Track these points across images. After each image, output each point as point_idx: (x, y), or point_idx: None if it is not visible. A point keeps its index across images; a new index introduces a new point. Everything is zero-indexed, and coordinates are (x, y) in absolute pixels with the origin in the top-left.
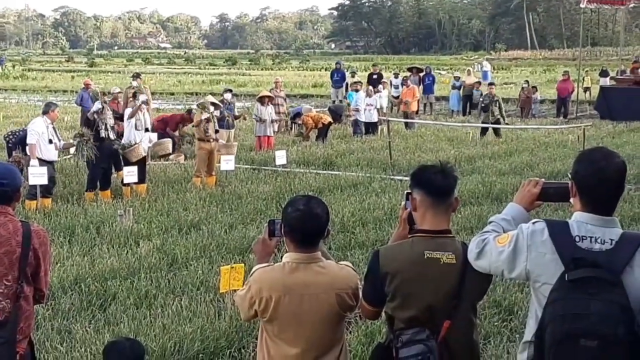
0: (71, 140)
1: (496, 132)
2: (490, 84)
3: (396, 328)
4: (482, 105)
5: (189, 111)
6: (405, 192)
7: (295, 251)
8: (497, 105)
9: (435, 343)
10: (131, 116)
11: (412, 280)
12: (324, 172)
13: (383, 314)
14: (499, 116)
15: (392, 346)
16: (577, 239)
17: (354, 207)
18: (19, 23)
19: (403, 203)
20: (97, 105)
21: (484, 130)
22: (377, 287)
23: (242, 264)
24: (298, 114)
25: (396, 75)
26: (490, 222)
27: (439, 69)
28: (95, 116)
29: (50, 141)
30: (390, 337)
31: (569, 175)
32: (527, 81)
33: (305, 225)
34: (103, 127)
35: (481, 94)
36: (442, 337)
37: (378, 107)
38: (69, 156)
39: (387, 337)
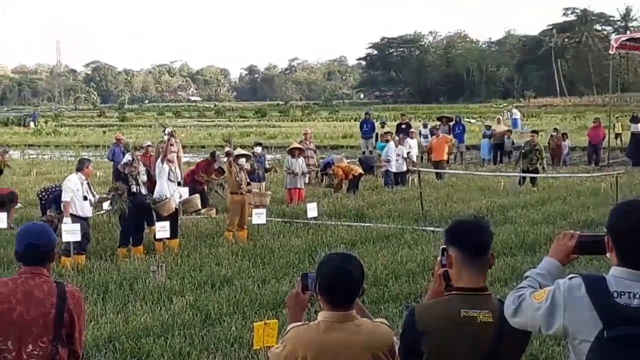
0: (105, 195)
1: (532, 181)
2: (533, 131)
3: None
4: (523, 151)
5: (213, 154)
6: (441, 247)
7: (329, 310)
8: (538, 153)
9: None
10: (164, 155)
11: (448, 339)
12: (356, 224)
13: None
14: (537, 165)
15: None
16: (615, 294)
17: (386, 259)
18: (51, 79)
19: (439, 258)
20: (127, 158)
21: (522, 179)
22: (413, 346)
23: (276, 320)
24: (328, 165)
25: (425, 125)
26: (526, 277)
27: (468, 118)
28: (126, 169)
29: (85, 197)
30: None
31: (604, 229)
32: (556, 129)
33: (339, 285)
34: (134, 182)
35: (512, 142)
36: None
37: (405, 156)
38: (102, 212)
39: None
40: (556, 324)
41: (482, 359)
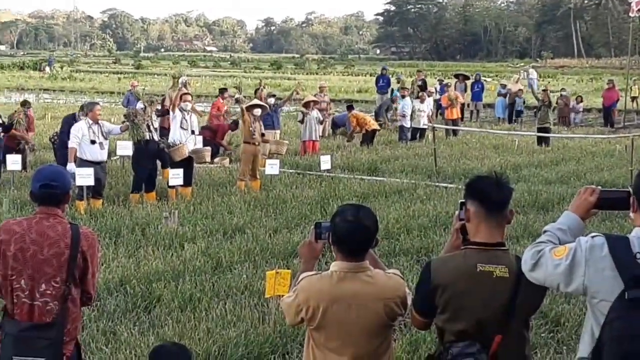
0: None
1: (545, 140)
2: (544, 90)
3: (446, 340)
4: (535, 111)
5: (235, 122)
6: (459, 201)
7: (343, 260)
8: (546, 110)
9: (486, 357)
10: (174, 103)
11: (463, 294)
12: (369, 177)
13: (433, 325)
14: (546, 124)
15: (442, 358)
16: (637, 255)
17: (398, 213)
18: (67, 25)
19: (457, 213)
20: (139, 105)
21: (539, 140)
22: (428, 299)
23: (288, 270)
24: (341, 121)
25: (440, 82)
26: (545, 232)
27: (485, 76)
28: (135, 115)
29: (93, 142)
30: (440, 349)
31: (630, 189)
32: (564, 89)
33: (354, 236)
34: (146, 127)
35: (524, 102)
36: (493, 351)
37: (429, 113)
38: (115, 157)
39: (437, 349)
40: (576, 282)
41: (496, 313)
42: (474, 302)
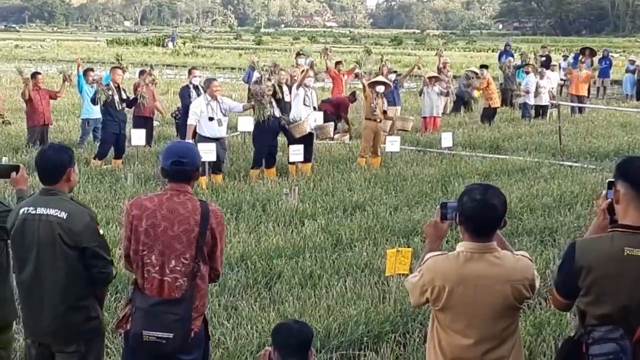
0: (248, 103)
1: None
2: None
3: (587, 324)
4: None
5: (353, 94)
6: (607, 180)
7: (470, 240)
8: None
9: (629, 344)
10: (300, 82)
11: (608, 277)
12: (491, 155)
13: (574, 307)
14: None
15: (583, 341)
16: None
17: (521, 192)
18: (190, 1)
19: (604, 192)
20: (256, 75)
21: None
22: (571, 280)
23: (409, 249)
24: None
25: (565, 58)
26: None
27: (612, 52)
28: (256, 89)
29: (211, 118)
30: (581, 332)
31: None
32: None
33: (481, 215)
34: (268, 104)
35: None
36: (637, 338)
37: (550, 89)
38: (236, 133)
39: (577, 331)
40: None
41: None
42: (620, 286)
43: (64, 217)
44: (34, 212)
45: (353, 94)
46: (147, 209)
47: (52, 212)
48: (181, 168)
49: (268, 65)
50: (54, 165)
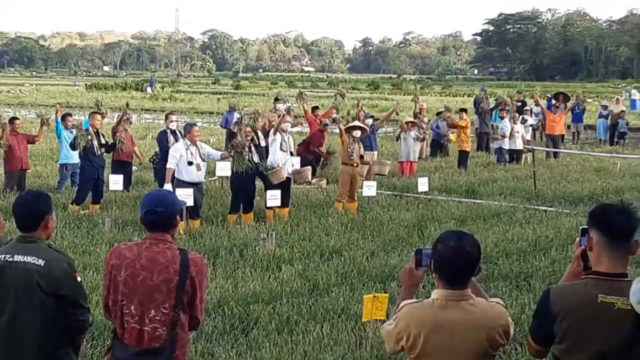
0: (227, 151)
1: None
2: None
3: None
4: None
5: (325, 124)
6: (581, 227)
7: (444, 288)
8: None
9: None
10: (276, 127)
11: (583, 324)
12: (467, 200)
13: (550, 354)
14: None
15: None
16: None
17: (497, 237)
18: (168, 46)
19: (578, 239)
20: (236, 116)
21: None
22: (545, 327)
23: (386, 294)
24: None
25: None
26: None
27: (585, 97)
28: (242, 147)
29: (190, 163)
30: None
31: None
32: None
33: (456, 263)
34: (247, 149)
35: (627, 123)
36: None
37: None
38: (214, 178)
39: None
40: None
41: (618, 345)
42: (594, 333)
43: (42, 265)
44: (11, 259)
45: (324, 124)
46: (126, 259)
47: (29, 259)
48: (156, 217)
49: (247, 108)
50: (32, 212)
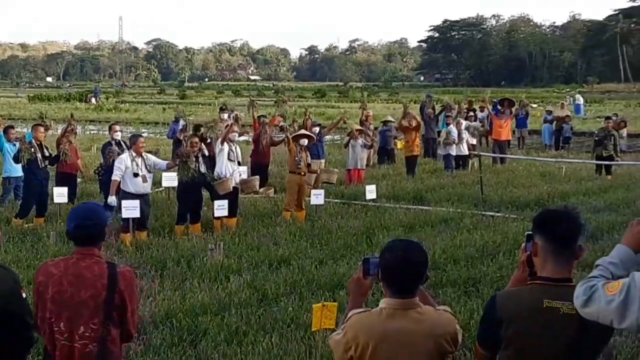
0: (172, 161)
1: (607, 169)
2: (607, 117)
3: None
4: (596, 139)
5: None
6: (526, 233)
7: (392, 297)
8: (612, 140)
9: None
10: (223, 137)
11: (530, 329)
12: (414, 207)
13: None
14: (612, 152)
15: None
16: None
17: (445, 243)
18: (112, 56)
19: (523, 245)
20: (181, 123)
21: (599, 168)
22: (492, 333)
23: (335, 303)
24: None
25: (482, 109)
26: (597, 266)
27: (530, 102)
28: (187, 156)
29: (136, 174)
30: None
31: None
32: (616, 114)
33: (403, 273)
34: (194, 159)
35: (571, 128)
36: None
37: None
38: (160, 189)
39: None
40: (629, 319)
41: (564, 350)
42: (541, 338)
43: None
44: None
45: (260, 117)
46: (53, 275)
47: None
48: (84, 231)
49: (192, 117)
50: None
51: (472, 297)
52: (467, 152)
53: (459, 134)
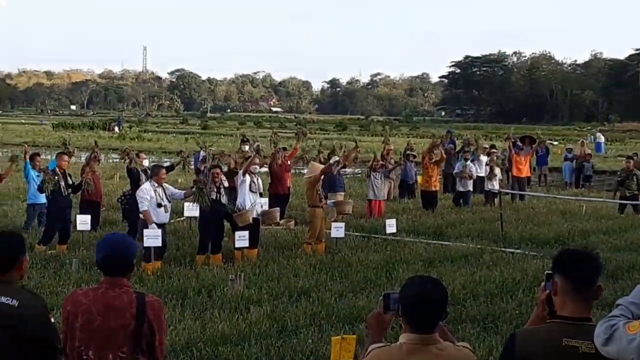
0: (189, 189)
1: (635, 208)
2: (629, 157)
3: None
4: (619, 179)
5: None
6: (546, 272)
7: (412, 332)
8: (635, 179)
9: None
10: (245, 168)
11: None
12: (434, 241)
13: None
14: (636, 191)
15: None
16: None
17: (464, 279)
18: (136, 85)
19: (542, 284)
20: (202, 154)
21: (622, 207)
22: None
23: (354, 335)
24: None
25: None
26: (618, 306)
27: (551, 140)
28: (204, 183)
29: (159, 205)
30: None
31: None
32: (636, 153)
33: (422, 308)
34: (215, 189)
35: (592, 166)
36: None
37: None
38: (182, 218)
39: None
40: None
41: None
42: None
43: (16, 305)
44: None
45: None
46: (82, 304)
47: (4, 299)
48: (112, 262)
49: (213, 148)
50: (6, 253)
51: (491, 334)
52: (497, 189)
53: (491, 171)
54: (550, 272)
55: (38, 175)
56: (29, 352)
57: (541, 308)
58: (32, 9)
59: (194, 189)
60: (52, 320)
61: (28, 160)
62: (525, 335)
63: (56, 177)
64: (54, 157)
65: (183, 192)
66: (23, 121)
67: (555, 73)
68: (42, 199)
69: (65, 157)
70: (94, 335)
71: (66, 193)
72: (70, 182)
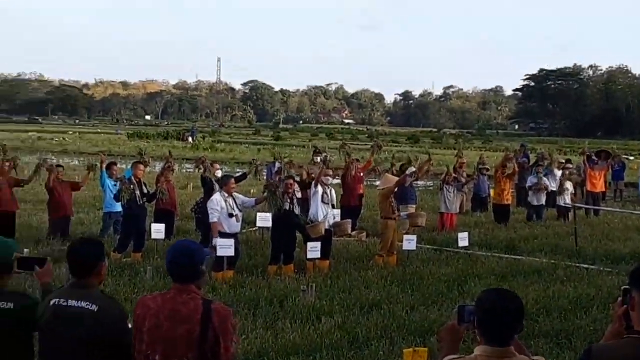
0: (262, 195)
1: None
2: None
3: None
4: None
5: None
6: (623, 287)
7: (487, 344)
8: None
9: None
10: (317, 179)
11: None
12: (507, 255)
13: None
14: None
15: None
16: None
17: (537, 294)
18: (210, 96)
19: (619, 299)
20: (277, 165)
21: None
22: None
23: (426, 348)
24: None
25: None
26: None
27: (627, 154)
28: (276, 187)
29: (231, 215)
30: None
31: None
32: None
33: (498, 321)
34: (288, 199)
35: None
36: None
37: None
38: (254, 228)
39: None
40: None
41: None
42: None
43: (95, 310)
44: (65, 303)
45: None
46: (150, 309)
47: (83, 304)
48: (178, 268)
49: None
50: (87, 259)
51: (565, 350)
52: (569, 203)
53: (562, 185)
54: (627, 287)
55: (114, 184)
56: (106, 355)
57: (618, 323)
58: (110, 21)
59: (265, 194)
60: (130, 325)
61: (104, 169)
62: (602, 350)
63: (132, 186)
64: (129, 166)
65: (254, 199)
66: (99, 130)
67: (632, 87)
68: (118, 207)
69: (141, 167)
70: (161, 340)
71: (141, 202)
72: (145, 191)
